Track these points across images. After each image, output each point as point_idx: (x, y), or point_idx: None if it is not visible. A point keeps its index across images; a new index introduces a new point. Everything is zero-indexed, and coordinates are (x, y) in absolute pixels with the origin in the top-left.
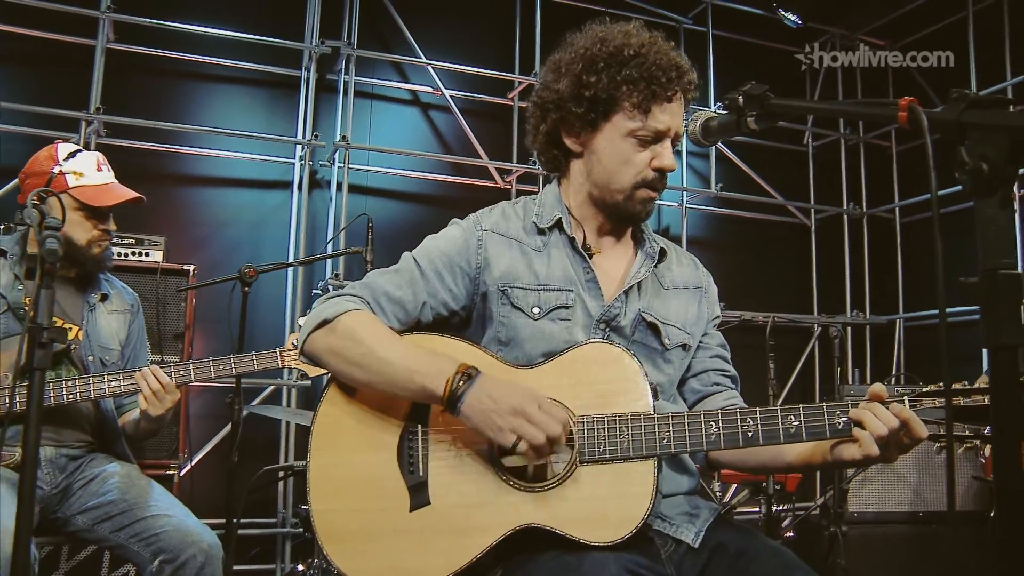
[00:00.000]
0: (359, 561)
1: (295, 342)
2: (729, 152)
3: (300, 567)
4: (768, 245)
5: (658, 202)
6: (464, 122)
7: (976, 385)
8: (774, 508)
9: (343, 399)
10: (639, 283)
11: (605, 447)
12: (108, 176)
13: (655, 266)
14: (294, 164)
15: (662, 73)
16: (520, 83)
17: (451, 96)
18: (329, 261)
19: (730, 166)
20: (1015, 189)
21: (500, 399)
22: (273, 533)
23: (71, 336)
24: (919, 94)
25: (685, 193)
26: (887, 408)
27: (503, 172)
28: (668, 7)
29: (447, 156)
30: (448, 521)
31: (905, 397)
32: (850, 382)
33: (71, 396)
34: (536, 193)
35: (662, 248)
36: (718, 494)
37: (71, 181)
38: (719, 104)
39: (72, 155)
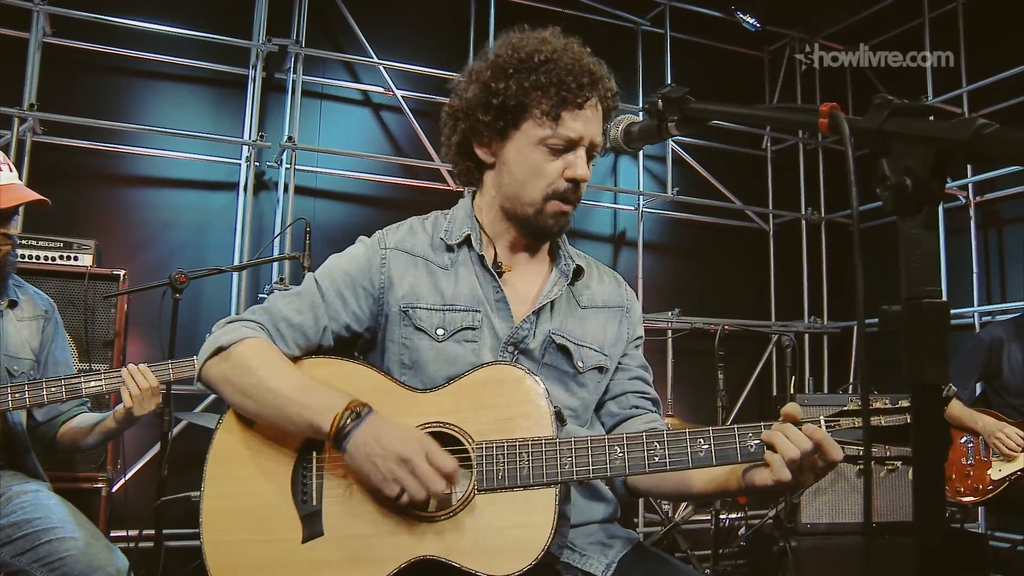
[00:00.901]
0: None
1: None
2: (686, 155)
3: None
4: (726, 250)
5: (614, 206)
6: (416, 123)
7: (899, 404)
8: (725, 518)
9: (239, 427)
10: (552, 302)
11: (504, 474)
12: (9, 176)
13: (571, 284)
14: (240, 165)
15: (572, 79)
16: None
17: (403, 96)
18: (275, 265)
19: (687, 170)
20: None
21: (387, 444)
22: None
23: None
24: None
25: (641, 197)
26: (800, 429)
27: (455, 175)
28: (625, 8)
29: (397, 158)
30: (341, 552)
31: (821, 417)
32: (805, 391)
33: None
34: None
35: (578, 266)
36: (666, 507)
37: None
38: None
39: None
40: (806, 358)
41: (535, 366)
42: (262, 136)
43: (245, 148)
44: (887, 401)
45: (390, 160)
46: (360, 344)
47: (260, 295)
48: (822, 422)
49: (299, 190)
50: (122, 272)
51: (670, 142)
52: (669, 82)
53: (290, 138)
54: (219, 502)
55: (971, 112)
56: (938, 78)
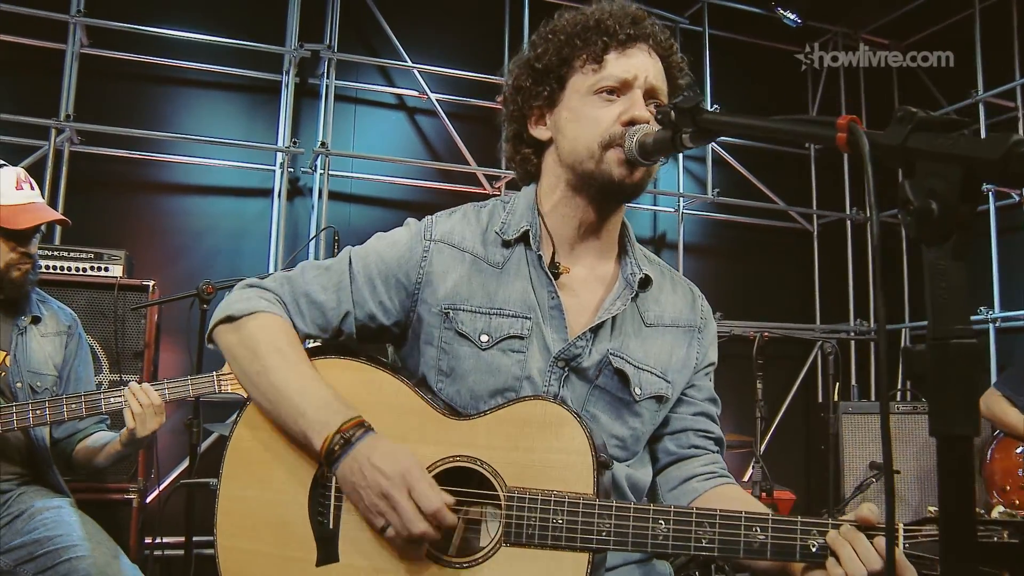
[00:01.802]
0: None
1: None
2: (727, 155)
3: None
4: (769, 252)
5: (653, 207)
6: (451, 126)
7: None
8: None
9: (261, 422)
10: (613, 318)
11: (535, 531)
12: (29, 195)
13: (635, 296)
14: (274, 171)
15: (612, 20)
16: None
17: (437, 100)
18: (311, 257)
19: (728, 170)
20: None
21: (371, 476)
22: None
23: None
24: (924, 95)
25: (681, 199)
26: (872, 543)
27: (492, 178)
28: (663, 6)
29: (432, 163)
30: None
31: (900, 525)
32: (851, 398)
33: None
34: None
35: (645, 275)
36: None
37: None
38: (716, 107)
39: None
40: (851, 363)
41: (587, 387)
42: (295, 142)
43: (279, 154)
44: (1004, 508)
45: (423, 164)
46: (387, 338)
47: None
48: (901, 533)
49: (334, 195)
50: (151, 283)
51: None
52: (708, 82)
53: (323, 144)
54: (235, 504)
55: None
56: (989, 73)
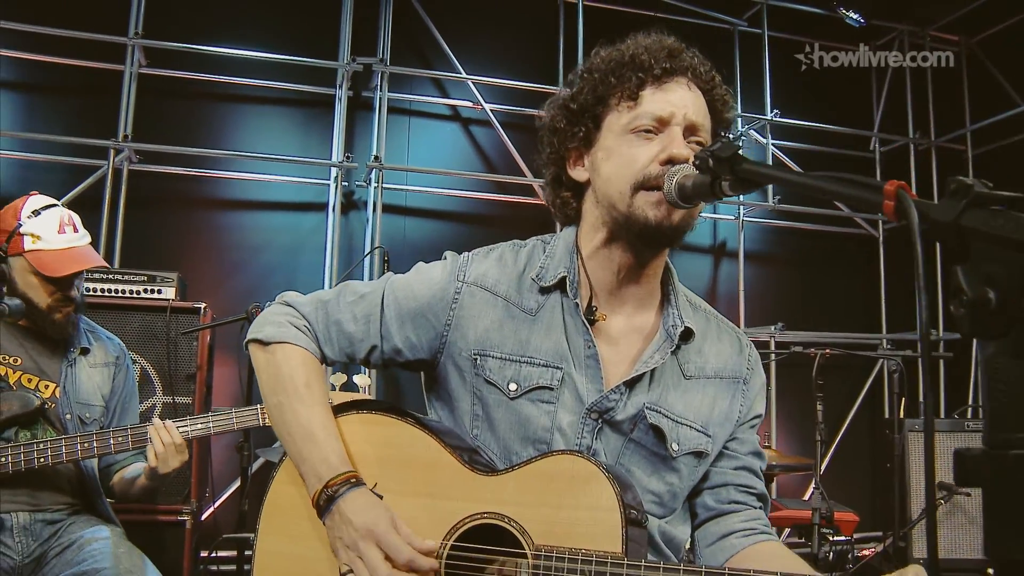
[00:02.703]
0: None
1: (332, 383)
2: (788, 160)
3: None
4: (832, 259)
5: (713, 216)
6: (506, 137)
7: None
8: (828, 548)
9: (297, 476)
10: (652, 370)
11: None
12: (71, 239)
13: (676, 349)
14: (329, 185)
15: (647, 55)
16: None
17: (492, 110)
18: (366, 275)
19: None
20: None
21: (345, 530)
22: None
23: (47, 394)
24: (996, 92)
25: (742, 207)
26: None
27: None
28: (720, 9)
29: (486, 175)
30: None
31: None
32: (919, 415)
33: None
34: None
35: (687, 328)
36: None
37: (27, 244)
38: (775, 112)
39: (37, 213)
40: (919, 376)
41: (621, 440)
42: (348, 157)
43: (333, 169)
44: None
45: (478, 177)
46: (416, 370)
47: None
48: None
49: (389, 208)
50: (202, 306)
51: (770, 146)
52: (768, 85)
53: (376, 158)
54: (271, 559)
55: None
56: None
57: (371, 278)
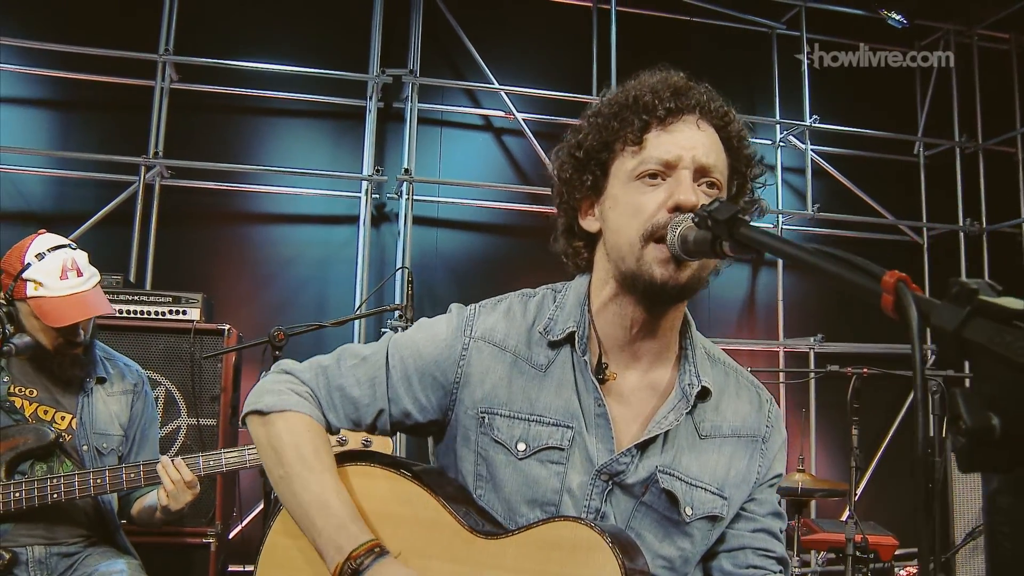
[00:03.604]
0: None
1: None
2: (828, 166)
3: None
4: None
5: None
6: (539, 147)
7: None
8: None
9: (293, 528)
10: (665, 432)
11: None
12: (73, 285)
13: (691, 410)
14: (360, 198)
15: (651, 96)
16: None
17: (524, 120)
18: (397, 293)
19: (830, 180)
20: None
21: None
22: None
23: (63, 425)
24: None
25: (781, 215)
26: None
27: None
28: (758, 12)
29: (518, 186)
30: None
31: None
32: None
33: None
34: None
35: (703, 388)
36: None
37: (30, 290)
38: (815, 117)
39: (41, 256)
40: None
41: (632, 503)
42: (378, 170)
43: (364, 182)
44: None
45: (510, 188)
46: (425, 433)
47: (383, 329)
48: None
49: (421, 220)
50: (226, 327)
51: (808, 152)
52: (807, 90)
53: (407, 171)
54: None
55: None
56: None
57: (399, 298)
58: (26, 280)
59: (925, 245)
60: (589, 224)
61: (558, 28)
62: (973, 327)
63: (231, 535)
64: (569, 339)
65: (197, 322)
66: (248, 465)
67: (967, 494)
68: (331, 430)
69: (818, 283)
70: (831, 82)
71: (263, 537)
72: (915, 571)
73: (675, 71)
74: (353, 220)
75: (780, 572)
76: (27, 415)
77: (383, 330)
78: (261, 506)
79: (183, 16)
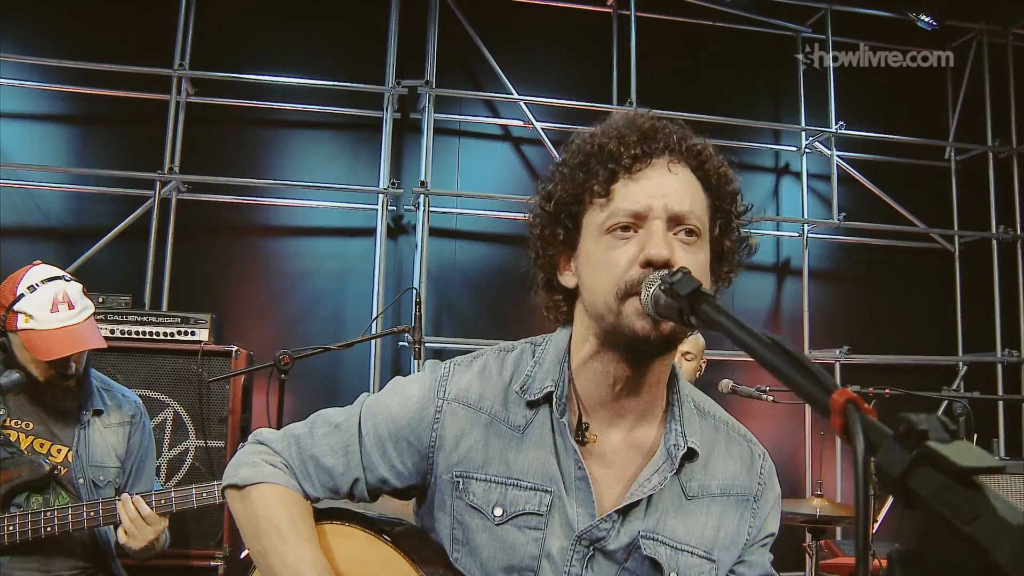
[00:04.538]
0: None
1: None
2: (855, 172)
3: None
4: (904, 276)
5: (776, 232)
6: (558, 156)
7: None
8: None
9: None
10: (649, 495)
11: None
12: (64, 318)
13: (677, 471)
14: (377, 210)
15: (617, 143)
16: (618, 113)
17: (543, 129)
18: (412, 313)
19: (857, 187)
20: None
21: None
22: None
23: (59, 458)
24: None
25: (806, 225)
26: None
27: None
28: (782, 17)
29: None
30: None
31: None
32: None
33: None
34: None
35: (690, 449)
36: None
37: (20, 323)
38: (840, 124)
39: (33, 288)
40: (999, 406)
41: (615, 569)
42: (395, 183)
43: (380, 194)
44: None
45: (527, 200)
46: (407, 497)
47: (400, 343)
48: None
49: (438, 232)
50: (234, 348)
51: (835, 158)
52: (832, 95)
53: (423, 183)
54: None
55: None
56: None
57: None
58: (17, 312)
59: (956, 253)
60: (567, 280)
61: (577, 35)
62: (919, 477)
63: (242, 555)
64: (547, 399)
65: (205, 343)
66: (219, 502)
67: None
68: (308, 499)
69: (846, 293)
70: (858, 86)
71: None
72: None
73: (645, 109)
74: (370, 233)
75: None
76: (23, 448)
77: (400, 344)
78: None
79: (199, 30)
